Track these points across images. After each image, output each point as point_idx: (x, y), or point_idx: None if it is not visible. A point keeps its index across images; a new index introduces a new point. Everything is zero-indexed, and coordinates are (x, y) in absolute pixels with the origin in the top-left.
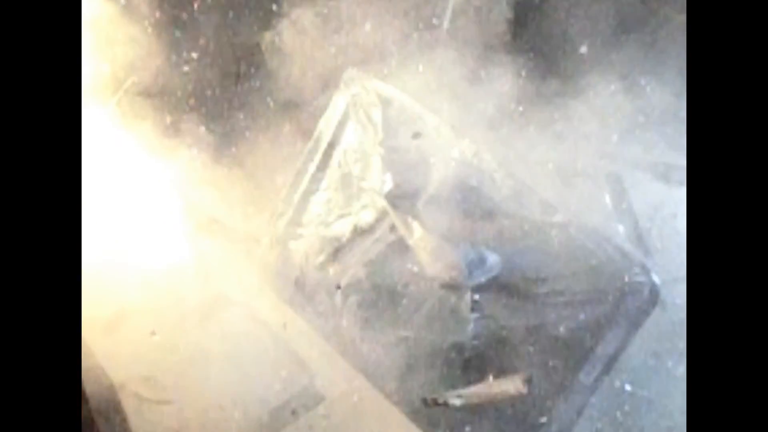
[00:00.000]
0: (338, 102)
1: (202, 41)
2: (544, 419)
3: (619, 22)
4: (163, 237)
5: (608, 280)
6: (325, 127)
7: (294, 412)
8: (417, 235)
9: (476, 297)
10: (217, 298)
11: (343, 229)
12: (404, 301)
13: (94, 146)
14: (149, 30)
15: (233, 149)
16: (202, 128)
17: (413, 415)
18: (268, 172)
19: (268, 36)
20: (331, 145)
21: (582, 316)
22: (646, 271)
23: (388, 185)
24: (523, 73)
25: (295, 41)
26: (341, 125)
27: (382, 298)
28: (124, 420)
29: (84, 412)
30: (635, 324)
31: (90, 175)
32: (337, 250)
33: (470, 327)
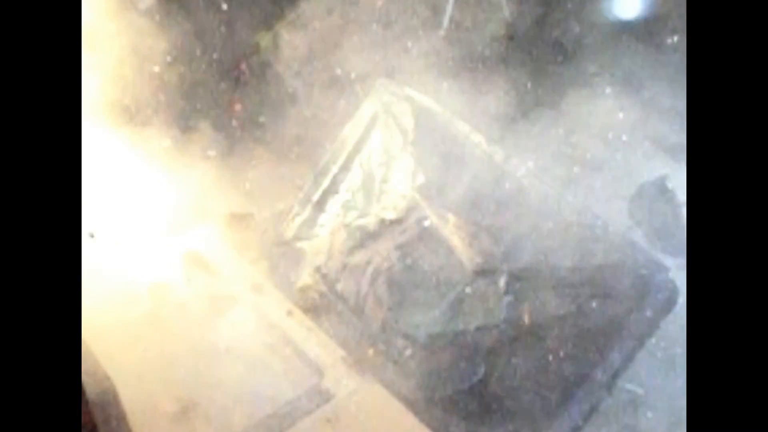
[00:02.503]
0: (367, 109)
1: (202, 42)
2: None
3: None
4: (171, 237)
5: (630, 278)
6: (352, 131)
7: (302, 411)
8: (452, 222)
9: (509, 282)
10: (224, 297)
11: (367, 222)
12: (435, 283)
13: (95, 152)
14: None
15: (243, 150)
16: (209, 130)
17: (423, 415)
18: (276, 174)
19: (267, 36)
20: (356, 149)
21: (603, 310)
22: (664, 270)
23: (420, 179)
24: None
25: (293, 42)
26: (368, 130)
27: (412, 279)
28: (124, 420)
29: (84, 412)
30: (653, 324)
31: (93, 177)
32: (366, 238)
33: (501, 311)
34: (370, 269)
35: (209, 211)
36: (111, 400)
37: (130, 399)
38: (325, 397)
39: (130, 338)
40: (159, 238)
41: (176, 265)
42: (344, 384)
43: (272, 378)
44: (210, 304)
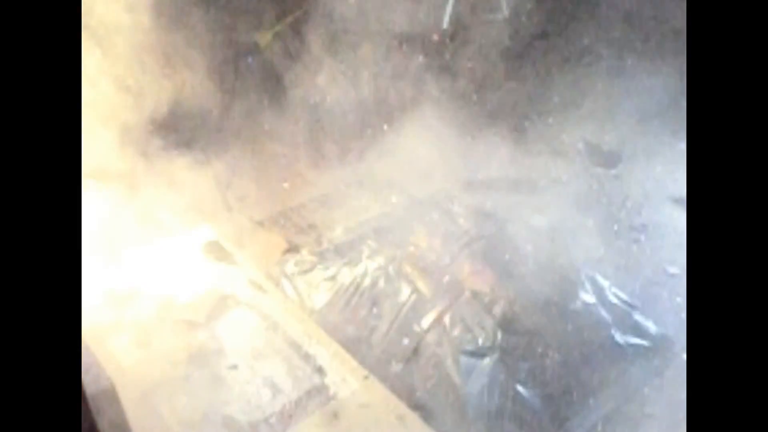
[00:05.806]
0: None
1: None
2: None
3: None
4: (173, 238)
5: None
6: None
7: (304, 410)
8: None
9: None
10: (226, 297)
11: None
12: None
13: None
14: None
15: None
16: (213, 133)
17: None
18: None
19: (267, 36)
20: None
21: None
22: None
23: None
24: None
25: (293, 42)
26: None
27: (503, 245)
28: (124, 420)
29: (84, 412)
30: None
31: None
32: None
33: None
34: (458, 242)
35: (212, 212)
36: (111, 400)
37: (131, 399)
38: (327, 396)
39: (130, 338)
40: (161, 239)
41: (178, 265)
42: (347, 384)
43: (274, 378)
44: (212, 304)
